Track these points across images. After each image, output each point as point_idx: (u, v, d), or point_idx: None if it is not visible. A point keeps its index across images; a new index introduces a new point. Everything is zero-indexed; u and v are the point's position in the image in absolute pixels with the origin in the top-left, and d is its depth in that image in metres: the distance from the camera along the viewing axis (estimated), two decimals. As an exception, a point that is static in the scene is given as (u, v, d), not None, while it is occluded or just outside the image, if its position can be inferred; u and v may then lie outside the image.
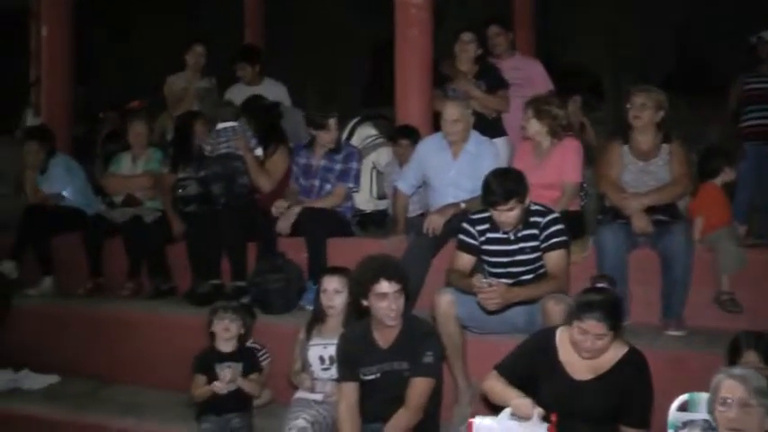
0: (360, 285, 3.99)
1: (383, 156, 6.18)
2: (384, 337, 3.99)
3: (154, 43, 11.50)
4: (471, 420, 3.58)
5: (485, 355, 4.44)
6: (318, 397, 4.37)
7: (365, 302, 3.96)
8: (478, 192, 5.13)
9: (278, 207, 5.62)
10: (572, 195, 5.17)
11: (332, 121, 5.76)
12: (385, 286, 3.87)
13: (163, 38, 11.43)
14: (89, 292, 6.12)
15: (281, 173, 5.95)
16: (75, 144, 7.41)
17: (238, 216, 5.68)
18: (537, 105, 5.19)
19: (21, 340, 5.80)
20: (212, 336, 4.52)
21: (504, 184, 4.29)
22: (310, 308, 5.15)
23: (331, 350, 4.33)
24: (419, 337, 3.95)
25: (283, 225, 5.59)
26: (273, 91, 6.99)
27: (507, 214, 4.32)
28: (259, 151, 5.96)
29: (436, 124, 5.92)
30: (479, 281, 4.17)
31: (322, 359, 4.41)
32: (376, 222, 6.16)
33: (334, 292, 4.42)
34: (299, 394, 4.45)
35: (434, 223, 5.07)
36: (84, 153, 7.35)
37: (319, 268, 5.16)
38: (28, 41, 10.11)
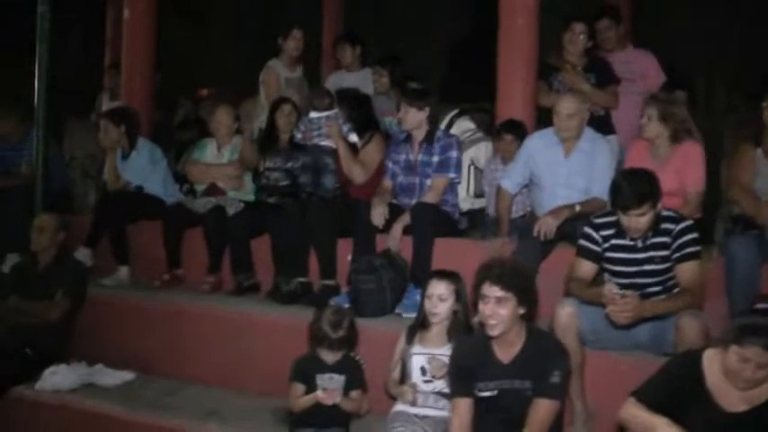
0: (474, 286, 3.64)
1: (482, 151, 5.78)
2: (505, 352, 3.61)
3: (231, 29, 11.30)
4: None
5: (603, 373, 4.15)
6: (420, 411, 4.00)
7: None
8: (591, 192, 4.84)
9: (378, 215, 5.21)
10: (697, 204, 4.76)
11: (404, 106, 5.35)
12: (486, 288, 3.53)
13: (240, 24, 11.24)
14: (166, 285, 5.82)
15: (375, 163, 5.62)
16: (153, 131, 7.12)
17: (328, 209, 5.35)
18: (663, 107, 4.75)
19: (94, 332, 5.54)
20: (314, 341, 4.15)
21: (637, 187, 3.89)
22: (407, 315, 4.83)
23: (436, 360, 3.99)
24: (546, 353, 3.56)
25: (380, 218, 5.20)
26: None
27: (638, 219, 3.91)
28: (354, 137, 5.64)
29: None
30: (611, 291, 3.77)
31: (424, 370, 4.05)
32: (474, 222, 5.76)
33: (438, 298, 4.05)
34: (399, 407, 4.08)
35: (548, 226, 4.66)
36: (162, 140, 7.05)
37: (423, 270, 4.81)
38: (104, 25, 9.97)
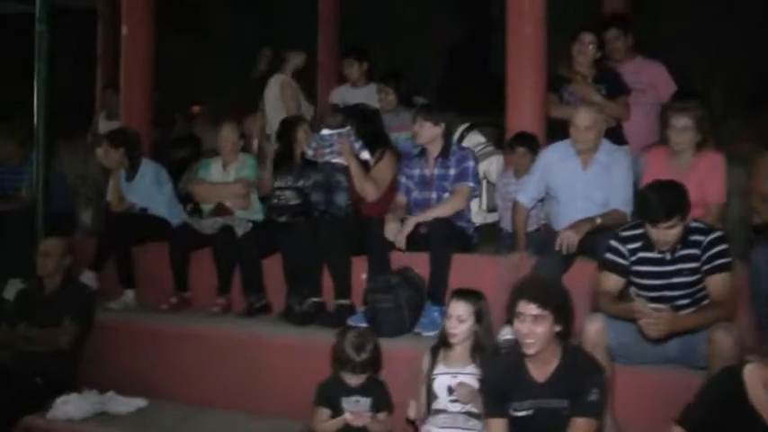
0: (509, 304, 3.55)
1: (493, 165, 5.71)
2: (540, 370, 3.53)
3: (227, 45, 11.20)
4: None
5: (631, 388, 4.06)
6: (450, 432, 3.91)
7: None
8: (610, 205, 4.77)
9: (392, 230, 5.11)
10: (718, 215, 4.70)
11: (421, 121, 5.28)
12: (522, 306, 3.45)
13: (236, 39, 11.14)
14: (174, 308, 5.70)
15: (387, 180, 5.50)
16: (153, 150, 7.01)
17: (341, 227, 5.25)
18: (697, 114, 4.67)
19: (102, 358, 5.41)
20: (337, 364, 4.05)
21: (666, 200, 3.81)
22: (427, 334, 4.75)
23: (462, 380, 3.91)
24: (583, 371, 3.48)
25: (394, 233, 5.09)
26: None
27: (667, 232, 3.84)
28: (366, 154, 5.54)
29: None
30: (645, 306, 3.69)
31: (450, 390, 3.94)
32: (485, 237, 5.68)
33: (457, 319, 3.96)
34: (427, 429, 3.95)
35: (569, 240, 4.58)
36: (163, 159, 6.94)
37: (441, 287, 4.75)
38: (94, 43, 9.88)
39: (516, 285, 3.56)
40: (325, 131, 5.54)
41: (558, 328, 3.48)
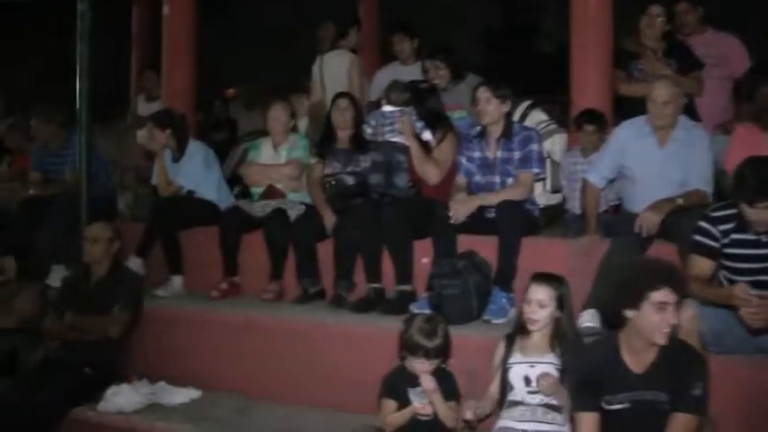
0: (630, 291, 3.30)
1: (557, 144, 5.45)
2: (637, 360, 3.30)
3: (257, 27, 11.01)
4: None
5: (724, 380, 3.74)
6: (528, 426, 3.66)
7: (629, 313, 3.28)
8: (689, 184, 4.53)
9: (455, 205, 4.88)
10: None
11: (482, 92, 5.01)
12: (665, 295, 3.22)
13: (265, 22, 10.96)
14: (225, 294, 5.47)
15: (449, 162, 5.23)
16: (198, 132, 6.82)
17: (403, 209, 4.99)
18: None
19: (150, 347, 5.21)
20: (406, 351, 3.81)
21: (764, 177, 3.56)
22: (496, 321, 4.52)
23: (541, 369, 3.67)
24: (684, 363, 3.25)
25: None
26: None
27: (765, 212, 3.58)
28: (428, 135, 5.27)
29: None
30: (746, 292, 3.44)
31: (527, 380, 3.71)
32: (549, 219, 5.43)
33: (537, 304, 3.73)
34: (503, 422, 3.72)
35: (649, 221, 4.33)
36: (203, 141, 6.73)
37: (510, 272, 4.55)
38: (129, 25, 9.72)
39: (653, 272, 3.31)
40: (387, 108, 5.28)
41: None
